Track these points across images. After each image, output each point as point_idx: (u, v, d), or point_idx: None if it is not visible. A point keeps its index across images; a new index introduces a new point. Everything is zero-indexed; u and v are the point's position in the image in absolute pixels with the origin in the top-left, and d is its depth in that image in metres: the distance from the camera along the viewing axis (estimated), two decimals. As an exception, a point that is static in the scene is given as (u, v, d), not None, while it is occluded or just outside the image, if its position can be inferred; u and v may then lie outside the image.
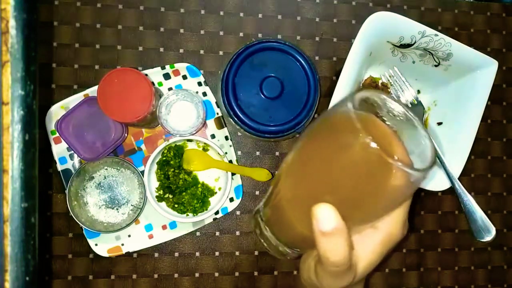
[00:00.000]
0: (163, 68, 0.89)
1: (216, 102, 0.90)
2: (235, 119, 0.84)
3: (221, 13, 0.94)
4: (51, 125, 0.86)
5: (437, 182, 0.85)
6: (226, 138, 0.91)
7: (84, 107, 0.83)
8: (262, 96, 0.85)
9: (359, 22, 0.83)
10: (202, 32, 0.93)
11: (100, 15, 0.91)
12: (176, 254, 0.91)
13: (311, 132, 0.48)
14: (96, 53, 0.91)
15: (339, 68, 0.82)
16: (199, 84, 0.90)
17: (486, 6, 1.02)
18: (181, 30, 0.93)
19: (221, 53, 0.94)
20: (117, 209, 0.89)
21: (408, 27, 0.83)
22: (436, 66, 0.89)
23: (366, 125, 0.40)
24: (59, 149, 0.87)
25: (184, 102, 0.86)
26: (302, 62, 0.85)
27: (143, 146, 0.90)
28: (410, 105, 0.94)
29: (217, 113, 0.90)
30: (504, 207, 1.01)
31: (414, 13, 0.99)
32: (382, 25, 0.82)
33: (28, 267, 0.57)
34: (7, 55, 0.56)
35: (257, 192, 0.94)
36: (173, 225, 0.90)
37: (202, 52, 0.93)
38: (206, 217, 0.88)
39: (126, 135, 0.88)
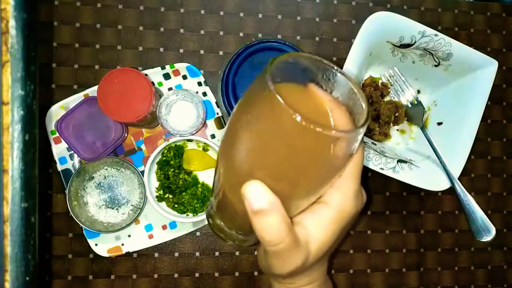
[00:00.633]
0: (163, 68, 0.89)
1: (216, 102, 0.90)
2: (235, 119, 0.84)
3: (221, 13, 0.94)
4: (51, 125, 0.86)
5: (437, 182, 0.85)
6: (226, 138, 0.90)
7: (84, 107, 0.83)
8: (262, 96, 0.84)
9: (359, 22, 0.83)
10: (202, 32, 0.93)
11: (100, 15, 0.91)
12: (176, 254, 0.91)
13: (234, 113, 0.47)
14: (96, 53, 0.91)
15: (339, 68, 0.81)
16: (199, 84, 0.90)
17: (486, 6, 1.02)
18: (181, 30, 0.93)
19: (221, 53, 0.94)
20: (117, 209, 0.89)
21: (408, 27, 0.83)
22: (436, 66, 0.89)
23: (284, 95, 0.39)
24: (59, 149, 0.87)
25: (184, 102, 0.86)
26: (302, 62, 0.85)
27: (143, 146, 0.90)
28: (410, 105, 0.94)
29: (217, 113, 0.90)
30: (504, 207, 1.01)
31: (414, 13, 0.99)
32: (382, 25, 0.82)
33: (28, 267, 0.57)
34: (7, 55, 0.56)
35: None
36: (173, 225, 0.90)
37: (202, 52, 0.93)
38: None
39: (126, 135, 0.88)
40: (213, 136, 0.91)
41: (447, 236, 0.99)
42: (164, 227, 0.90)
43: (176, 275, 0.91)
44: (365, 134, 0.93)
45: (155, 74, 0.90)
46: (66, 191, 0.84)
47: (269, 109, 0.41)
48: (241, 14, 0.94)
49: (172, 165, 0.88)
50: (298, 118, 0.38)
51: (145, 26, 0.92)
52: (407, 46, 0.86)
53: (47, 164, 0.88)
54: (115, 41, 0.91)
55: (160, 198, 0.88)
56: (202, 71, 0.91)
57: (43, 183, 0.88)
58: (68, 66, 0.90)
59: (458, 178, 0.84)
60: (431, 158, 0.87)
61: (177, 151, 0.88)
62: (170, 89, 0.90)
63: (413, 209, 0.98)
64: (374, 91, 0.93)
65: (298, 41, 0.96)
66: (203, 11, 0.93)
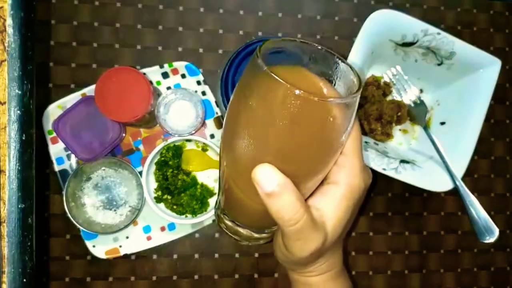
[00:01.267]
0: (161, 66, 0.88)
1: (215, 102, 0.89)
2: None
3: (221, 11, 0.93)
4: (48, 125, 0.85)
5: (440, 183, 0.84)
6: (226, 138, 0.90)
7: (81, 106, 0.82)
8: (263, 95, 0.84)
9: (361, 20, 0.82)
10: (201, 30, 0.92)
11: (97, 13, 0.90)
12: (175, 256, 0.90)
13: (230, 104, 0.48)
14: (94, 52, 0.90)
15: (340, 67, 0.81)
16: (198, 83, 0.89)
17: (489, 4, 1.01)
18: (180, 28, 0.92)
19: (220, 51, 0.93)
20: (115, 210, 0.88)
21: (411, 26, 0.83)
22: (438, 65, 0.88)
23: (278, 74, 0.39)
24: (56, 149, 0.86)
25: (183, 102, 0.85)
26: (303, 60, 0.84)
27: (141, 146, 0.89)
28: (413, 105, 0.93)
29: (217, 113, 0.89)
30: (508, 208, 1.01)
31: (416, 11, 0.98)
32: (384, 23, 0.81)
33: (25, 268, 0.56)
34: (4, 54, 0.55)
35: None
36: (171, 226, 0.89)
37: (201, 50, 0.92)
38: (205, 218, 0.86)
39: (124, 135, 0.87)
40: (212, 136, 0.90)
41: (450, 238, 0.98)
42: (162, 229, 0.89)
43: (175, 277, 0.90)
44: (367, 134, 0.92)
45: (153, 73, 0.89)
46: (63, 192, 0.83)
47: (266, 88, 0.41)
48: (241, 12, 0.93)
49: (171, 166, 0.87)
50: (297, 91, 0.39)
51: (143, 24, 0.91)
52: (410, 44, 0.85)
53: (44, 164, 0.87)
54: (113, 39, 0.90)
55: (158, 199, 0.87)
56: (201, 70, 0.90)
57: (40, 183, 0.86)
58: (66, 65, 0.89)
59: (461, 179, 0.83)
60: (434, 158, 0.87)
61: (176, 151, 0.87)
62: (168, 88, 0.89)
63: (416, 210, 0.97)
64: (376, 90, 0.92)
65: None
66: (202, 9, 0.92)
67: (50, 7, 0.89)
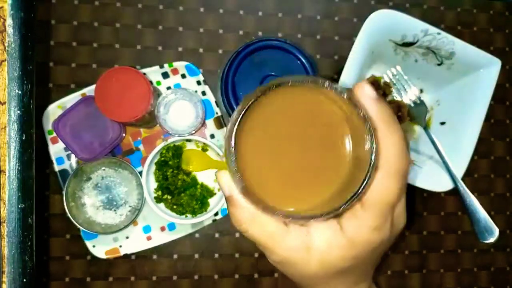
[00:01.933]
0: (161, 66, 0.88)
1: (215, 102, 0.89)
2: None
3: (221, 11, 0.93)
4: (48, 125, 0.85)
5: (440, 183, 0.85)
6: (226, 138, 0.89)
7: (81, 106, 0.82)
8: (263, 95, 0.84)
9: (361, 20, 0.82)
10: (201, 30, 0.92)
11: (97, 13, 0.90)
12: (175, 256, 0.90)
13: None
14: (94, 52, 0.89)
15: (340, 67, 0.81)
16: (198, 83, 0.89)
17: (489, 4, 1.01)
18: (180, 28, 0.92)
19: (220, 51, 0.93)
20: (115, 210, 0.88)
21: (411, 26, 0.82)
22: (439, 65, 0.88)
23: None
24: (56, 149, 0.86)
25: (183, 102, 0.85)
26: (303, 60, 0.85)
27: (141, 146, 0.89)
28: (413, 105, 0.93)
29: (217, 113, 0.89)
30: (508, 208, 1.01)
31: (416, 11, 0.98)
32: (384, 23, 0.81)
33: (25, 268, 0.56)
34: (4, 54, 0.55)
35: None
36: (171, 226, 0.89)
37: (201, 50, 0.92)
38: (205, 218, 0.86)
39: (124, 135, 0.87)
40: (212, 136, 0.90)
41: (450, 238, 0.98)
42: (162, 229, 0.88)
43: (175, 277, 0.90)
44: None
45: (153, 73, 0.89)
46: (63, 192, 0.83)
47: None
48: (241, 12, 0.93)
49: (171, 166, 0.87)
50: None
51: (143, 24, 0.91)
52: (410, 44, 0.85)
53: (44, 164, 0.87)
54: (113, 39, 0.90)
55: (158, 199, 0.87)
56: (201, 70, 0.90)
57: (40, 183, 0.86)
58: (66, 65, 0.89)
59: (461, 179, 0.83)
60: (434, 158, 0.87)
61: (176, 151, 0.87)
62: (168, 88, 0.89)
63: (416, 210, 0.97)
64: (376, 90, 0.92)
65: (299, 39, 0.95)
66: (202, 9, 0.92)
67: (50, 7, 0.89)
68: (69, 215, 0.82)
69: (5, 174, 0.55)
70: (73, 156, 0.86)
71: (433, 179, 0.84)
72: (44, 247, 0.87)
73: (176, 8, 0.92)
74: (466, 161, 0.84)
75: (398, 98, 0.94)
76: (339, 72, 0.81)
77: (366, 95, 0.43)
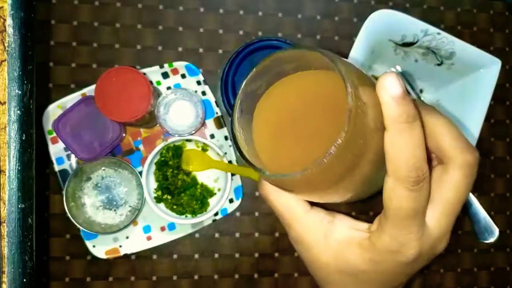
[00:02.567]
0: (161, 66, 0.88)
1: (215, 102, 0.89)
2: (235, 118, 0.83)
3: (221, 11, 0.93)
4: (48, 125, 0.85)
5: (440, 183, 0.84)
6: (226, 138, 0.90)
7: (81, 106, 0.82)
8: (263, 95, 0.84)
9: (361, 20, 0.82)
10: (201, 30, 0.92)
11: (97, 13, 0.90)
12: (175, 256, 0.90)
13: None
14: (94, 52, 0.89)
15: (340, 67, 0.81)
16: (198, 83, 0.89)
17: (489, 4, 1.01)
18: (180, 28, 0.92)
19: (220, 51, 0.93)
20: (115, 210, 0.88)
21: (411, 26, 0.83)
22: (438, 65, 0.88)
23: None
24: (56, 149, 0.86)
25: (183, 102, 0.85)
26: (303, 60, 0.85)
27: (141, 146, 0.89)
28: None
29: (217, 113, 0.89)
30: (508, 208, 1.00)
31: (416, 11, 0.98)
32: (384, 23, 0.81)
33: (25, 268, 0.56)
34: (4, 54, 0.55)
35: (257, 193, 0.92)
36: (171, 226, 0.89)
37: (201, 50, 0.92)
38: (205, 218, 0.86)
39: (124, 135, 0.87)
40: (212, 136, 0.90)
41: (450, 238, 0.98)
42: (162, 229, 0.88)
43: (175, 277, 0.90)
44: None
45: (153, 73, 0.89)
46: (63, 192, 0.83)
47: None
48: (241, 12, 0.93)
49: (171, 166, 0.87)
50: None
51: (143, 24, 0.91)
52: (410, 44, 0.85)
53: (44, 164, 0.87)
54: (113, 39, 0.90)
55: (158, 199, 0.87)
56: (201, 70, 0.90)
57: (40, 183, 0.86)
58: (65, 65, 0.89)
59: (462, 179, 0.83)
60: (434, 158, 0.87)
61: (176, 151, 0.87)
62: (168, 88, 0.89)
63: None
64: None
65: (299, 39, 0.95)
66: (202, 9, 0.92)
67: (50, 7, 0.89)
68: (69, 215, 0.82)
69: (5, 174, 0.55)
70: (73, 156, 0.86)
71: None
72: (44, 247, 0.87)
73: (176, 8, 0.92)
74: (466, 161, 0.84)
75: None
76: (339, 72, 0.81)
77: (384, 89, 0.38)
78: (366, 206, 0.95)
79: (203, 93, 0.89)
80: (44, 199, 0.87)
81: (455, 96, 0.90)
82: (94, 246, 0.86)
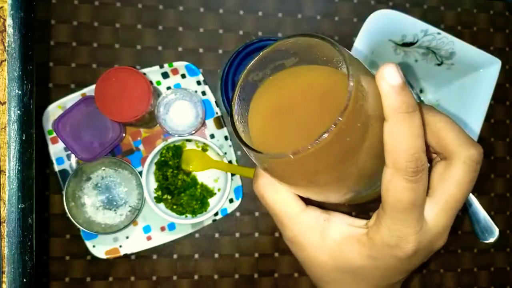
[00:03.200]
0: (161, 66, 0.88)
1: (215, 102, 0.89)
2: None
3: (221, 11, 0.93)
4: (48, 125, 0.85)
5: (440, 183, 0.84)
6: (226, 138, 0.90)
7: (81, 106, 0.82)
8: (263, 95, 0.84)
9: (361, 20, 0.82)
10: (201, 30, 0.92)
11: (97, 13, 0.90)
12: (175, 256, 0.90)
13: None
14: (94, 52, 0.89)
15: (340, 67, 0.81)
16: (198, 83, 0.89)
17: (489, 4, 1.01)
18: (180, 28, 0.92)
19: (220, 51, 0.92)
20: (115, 210, 0.88)
21: (411, 26, 0.82)
22: (439, 65, 0.88)
23: None
24: (56, 149, 0.86)
25: (182, 102, 0.85)
26: (303, 60, 0.84)
27: (141, 146, 0.89)
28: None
29: (217, 113, 0.89)
30: (508, 208, 1.00)
31: (416, 11, 0.98)
32: (384, 23, 0.81)
33: (25, 268, 0.56)
34: (4, 54, 0.55)
35: (257, 193, 0.92)
36: (171, 226, 0.89)
37: (201, 50, 0.92)
38: (205, 218, 0.86)
39: (123, 135, 0.87)
40: (212, 136, 0.90)
41: (450, 238, 0.96)
42: (162, 229, 0.88)
43: (175, 277, 0.90)
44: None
45: (153, 73, 0.89)
46: (63, 192, 0.83)
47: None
48: (241, 12, 0.93)
49: (171, 166, 0.87)
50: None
51: (143, 24, 0.91)
52: (410, 44, 0.85)
53: (44, 164, 0.87)
54: (113, 39, 0.90)
55: (158, 199, 0.87)
56: (201, 70, 0.90)
57: (40, 183, 0.86)
58: (65, 65, 0.89)
59: (462, 179, 0.83)
60: (434, 158, 0.87)
61: (176, 151, 0.87)
62: (168, 88, 0.89)
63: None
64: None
65: (299, 39, 0.95)
66: (202, 9, 0.92)
67: (50, 7, 0.89)
68: (69, 215, 0.82)
69: (5, 174, 0.55)
70: (73, 156, 0.86)
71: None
72: (44, 247, 0.87)
73: (176, 8, 0.92)
74: (466, 161, 0.84)
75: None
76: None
77: (384, 79, 0.38)
78: (366, 206, 0.95)
79: (203, 93, 0.89)
80: (44, 199, 0.87)
81: (455, 96, 0.90)
82: (94, 246, 0.86)
